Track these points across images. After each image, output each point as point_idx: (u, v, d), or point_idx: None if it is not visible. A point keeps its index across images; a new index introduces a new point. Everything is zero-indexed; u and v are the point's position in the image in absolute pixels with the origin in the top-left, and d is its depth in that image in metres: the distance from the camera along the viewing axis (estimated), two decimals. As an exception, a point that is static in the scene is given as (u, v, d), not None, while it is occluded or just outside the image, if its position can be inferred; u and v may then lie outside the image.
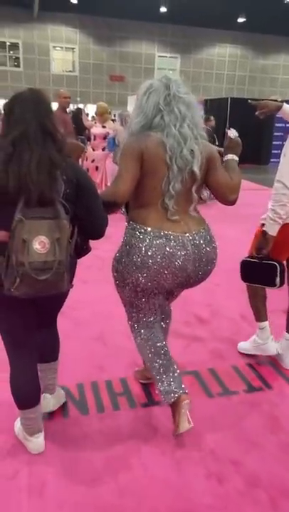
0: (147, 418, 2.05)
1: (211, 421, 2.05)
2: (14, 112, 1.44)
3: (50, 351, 1.94)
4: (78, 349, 2.59)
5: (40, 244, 1.37)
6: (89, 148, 6.67)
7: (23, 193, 1.39)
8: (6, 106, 1.48)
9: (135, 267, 1.75)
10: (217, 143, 7.35)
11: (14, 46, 25.94)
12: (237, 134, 1.94)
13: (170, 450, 1.86)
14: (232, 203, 1.84)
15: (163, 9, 23.83)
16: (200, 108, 13.39)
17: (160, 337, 1.97)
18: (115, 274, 1.89)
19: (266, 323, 2.55)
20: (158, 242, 1.70)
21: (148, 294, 1.86)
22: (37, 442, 1.78)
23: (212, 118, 7.65)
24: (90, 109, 18.01)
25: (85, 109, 13.45)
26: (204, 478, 1.72)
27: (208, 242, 1.81)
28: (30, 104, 1.44)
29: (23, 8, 23.88)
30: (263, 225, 2.29)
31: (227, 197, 1.81)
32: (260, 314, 2.55)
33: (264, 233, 2.20)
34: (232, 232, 5.29)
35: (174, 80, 1.73)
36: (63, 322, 2.87)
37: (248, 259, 2.34)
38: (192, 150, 1.68)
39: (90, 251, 1.71)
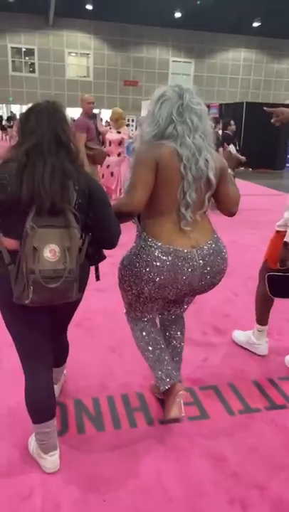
0: (165, 436, 1.96)
1: (232, 441, 1.95)
2: (30, 122, 1.47)
3: (59, 357, 1.95)
4: (93, 361, 2.53)
5: (50, 253, 1.39)
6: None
7: (35, 202, 1.40)
8: (23, 116, 1.52)
9: (142, 280, 1.77)
10: (238, 147, 7.27)
11: (30, 52, 26.27)
12: (235, 151, 1.92)
13: (190, 471, 1.78)
14: (234, 214, 1.92)
15: (177, 14, 23.88)
16: (212, 114, 13.33)
17: (154, 329, 2.03)
18: (121, 278, 1.91)
19: (266, 328, 2.62)
20: (166, 258, 1.72)
21: (150, 301, 1.90)
22: (52, 460, 1.71)
23: (232, 122, 7.55)
24: (104, 115, 18.09)
25: (100, 115, 13.43)
26: (227, 504, 1.63)
27: (217, 253, 1.81)
28: (45, 116, 1.47)
29: (39, 14, 24.20)
30: (278, 232, 2.22)
31: (231, 209, 1.88)
32: (262, 318, 2.61)
33: (285, 244, 2.13)
34: (248, 239, 5.19)
35: (187, 90, 1.72)
36: (77, 332, 2.84)
37: (274, 273, 2.27)
38: (206, 160, 1.69)
39: (104, 259, 1.71)
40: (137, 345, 2.05)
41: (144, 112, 15.40)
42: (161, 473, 1.76)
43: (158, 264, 1.72)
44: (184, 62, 28.91)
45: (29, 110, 1.51)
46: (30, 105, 1.54)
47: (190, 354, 2.58)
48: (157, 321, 2.16)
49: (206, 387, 2.33)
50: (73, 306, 1.71)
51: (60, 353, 1.95)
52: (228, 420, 2.09)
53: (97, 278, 1.77)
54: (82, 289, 1.58)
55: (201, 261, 1.75)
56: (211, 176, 1.71)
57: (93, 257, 1.64)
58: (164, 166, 1.66)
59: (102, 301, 3.17)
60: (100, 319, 3.02)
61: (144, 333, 2.01)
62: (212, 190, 1.76)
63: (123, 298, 2.01)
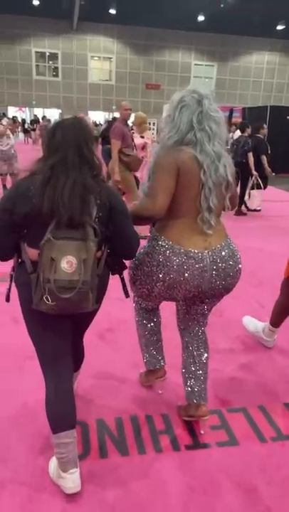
0: (192, 463, 1.84)
1: (264, 471, 1.81)
2: (56, 137, 1.52)
3: (74, 364, 1.90)
4: (115, 377, 2.42)
5: (68, 264, 1.43)
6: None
7: (55, 216, 1.45)
8: (50, 131, 1.58)
9: (152, 279, 1.82)
10: (270, 151, 7.05)
11: (53, 56, 26.61)
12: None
13: (219, 505, 1.65)
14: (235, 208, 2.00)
15: (201, 18, 23.77)
16: (235, 118, 13.01)
17: (157, 321, 2.17)
18: (132, 276, 1.95)
19: (277, 330, 2.75)
20: (176, 258, 1.74)
21: (158, 298, 1.94)
22: (72, 479, 1.61)
23: (265, 126, 7.33)
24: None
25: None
26: None
27: (228, 256, 1.81)
28: (71, 131, 1.52)
29: (63, 19, 24.49)
30: None
31: (235, 204, 1.96)
32: (277, 322, 2.71)
33: None
34: (276, 247, 4.99)
35: (206, 96, 1.75)
36: (100, 345, 2.75)
37: None
38: (225, 165, 1.74)
39: (125, 269, 1.76)
40: (137, 329, 2.20)
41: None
42: (188, 507, 1.63)
43: (168, 263, 1.75)
44: (206, 65, 28.76)
45: (56, 125, 1.57)
46: (58, 120, 1.62)
47: (217, 372, 2.46)
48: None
49: (235, 409, 2.19)
50: (91, 314, 1.74)
51: (75, 358, 1.91)
52: (259, 448, 1.95)
53: (126, 295, 1.81)
54: (99, 299, 1.61)
55: (211, 263, 1.76)
56: (231, 179, 1.77)
57: (113, 266, 1.69)
58: (184, 171, 1.69)
59: (123, 311, 3.07)
60: (123, 331, 2.91)
61: (144, 321, 2.15)
62: (232, 192, 1.82)
63: (132, 289, 2.00)
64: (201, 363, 2.00)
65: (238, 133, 12.06)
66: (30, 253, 1.53)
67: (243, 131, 6.90)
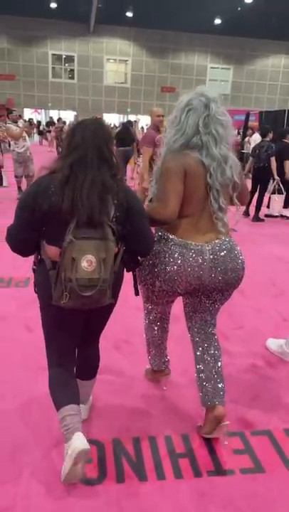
0: (215, 491, 1.72)
1: (293, 503, 1.69)
2: (76, 137, 1.55)
3: (90, 369, 1.95)
4: (133, 393, 2.31)
5: (87, 263, 1.47)
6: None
7: (74, 214, 1.48)
8: (70, 130, 1.61)
9: (154, 272, 1.86)
10: None
11: (70, 59, 26.74)
12: None
13: (245, 540, 1.53)
14: (246, 204, 2.13)
15: (217, 21, 23.63)
16: (251, 121, 12.75)
17: (165, 325, 2.21)
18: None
19: None
20: (178, 250, 1.80)
21: (162, 293, 1.94)
22: (79, 438, 1.59)
23: None
24: (143, 120, 18.05)
25: (139, 123, 13.31)
26: None
27: (228, 250, 1.84)
28: (90, 131, 1.54)
29: (80, 22, 24.59)
30: None
31: (246, 200, 2.04)
32: None
33: None
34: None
35: (213, 99, 1.76)
36: (116, 356, 2.63)
37: None
38: (232, 166, 1.77)
39: (139, 265, 1.83)
40: (145, 330, 2.24)
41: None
42: None
43: (169, 255, 1.80)
44: (222, 68, 28.59)
45: (76, 125, 1.59)
46: (78, 121, 1.63)
47: (239, 391, 2.34)
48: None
49: (259, 432, 2.07)
50: (106, 311, 1.77)
51: (90, 364, 1.95)
52: (287, 476, 1.82)
53: (136, 293, 1.86)
54: (115, 293, 1.67)
55: (211, 256, 1.80)
56: (238, 179, 1.81)
57: (129, 263, 1.73)
58: (191, 175, 1.74)
59: (141, 321, 2.96)
60: (140, 343, 2.80)
61: (152, 324, 2.18)
62: (239, 190, 1.87)
63: (141, 293, 2.02)
64: (212, 362, 1.96)
65: (255, 136, 11.93)
66: (49, 250, 1.57)
67: (264, 136, 6.75)
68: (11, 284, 3.67)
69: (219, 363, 1.97)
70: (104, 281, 1.50)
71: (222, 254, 1.82)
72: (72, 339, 1.77)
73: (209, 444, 1.96)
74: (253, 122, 14.51)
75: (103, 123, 1.63)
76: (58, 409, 1.66)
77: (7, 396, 2.22)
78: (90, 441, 1.88)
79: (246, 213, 6.85)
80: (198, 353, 2.00)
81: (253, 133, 12.59)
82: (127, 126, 9.52)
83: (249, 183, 6.86)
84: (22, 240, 1.63)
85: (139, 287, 1.94)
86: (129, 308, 2.85)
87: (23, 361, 2.52)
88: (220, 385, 1.93)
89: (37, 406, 2.14)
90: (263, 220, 6.83)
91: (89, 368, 1.96)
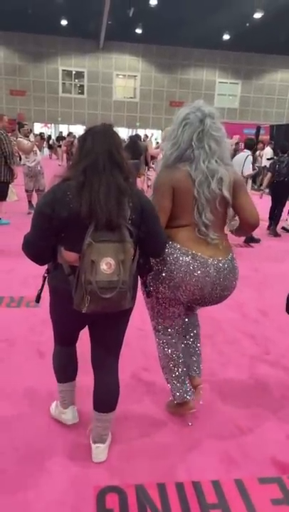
0: None
1: None
2: (87, 143, 1.57)
3: (108, 399, 1.83)
4: (156, 430, 2.10)
5: (106, 265, 1.48)
6: (154, 173, 6.37)
7: (93, 218, 1.49)
8: (80, 137, 1.62)
9: (159, 279, 1.89)
10: None
11: (79, 75, 27.07)
12: None
13: None
14: (254, 226, 1.95)
15: (226, 37, 23.80)
16: (261, 135, 12.71)
17: (177, 346, 2.10)
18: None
19: None
20: (184, 258, 1.83)
21: (167, 302, 1.97)
22: (70, 413, 2.04)
23: None
24: (146, 133, 18.10)
25: (151, 138, 13.28)
26: None
27: (230, 270, 1.89)
28: (100, 137, 1.56)
29: (90, 39, 24.95)
30: None
31: (249, 220, 1.92)
32: None
33: None
34: None
35: (209, 114, 1.80)
36: (136, 388, 2.38)
37: None
38: (220, 180, 1.79)
39: (152, 270, 1.85)
40: (159, 359, 2.13)
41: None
42: None
43: (176, 263, 1.83)
44: (230, 83, 28.72)
45: (86, 132, 1.61)
46: (87, 128, 1.64)
47: (272, 429, 2.13)
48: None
49: (268, 479, 1.83)
50: (125, 313, 1.73)
51: (108, 393, 1.83)
52: None
53: (148, 294, 1.91)
54: (134, 297, 1.68)
55: (214, 272, 1.84)
56: (226, 193, 1.81)
57: (144, 267, 1.74)
58: (179, 190, 1.80)
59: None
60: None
61: (166, 349, 2.08)
62: (229, 205, 1.87)
63: (146, 303, 2.06)
64: (194, 340, 2.21)
65: (266, 150, 11.82)
66: (67, 255, 1.58)
67: (284, 152, 6.63)
68: (22, 303, 3.51)
69: (199, 345, 2.23)
70: (124, 282, 1.51)
71: (225, 272, 1.87)
72: (76, 334, 1.89)
73: (244, 492, 1.74)
74: (263, 136, 14.44)
75: (112, 128, 1.63)
76: (58, 382, 1.99)
77: (16, 431, 2.02)
78: (111, 489, 1.70)
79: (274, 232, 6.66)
80: (187, 337, 2.19)
81: (264, 147, 12.51)
82: (135, 140, 9.53)
83: (260, 197, 6.71)
84: (40, 248, 1.63)
85: (147, 306, 2.05)
86: (146, 331, 2.67)
87: (34, 390, 2.33)
88: (199, 363, 2.20)
89: (49, 447, 1.95)
90: (279, 236, 6.65)
91: (107, 397, 1.83)
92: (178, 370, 2.08)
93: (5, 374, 2.49)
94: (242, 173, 5.61)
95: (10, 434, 2.01)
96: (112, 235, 1.51)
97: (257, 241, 6.04)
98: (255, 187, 7.06)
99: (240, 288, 4.19)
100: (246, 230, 2.03)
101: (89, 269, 1.47)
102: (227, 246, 1.93)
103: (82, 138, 1.60)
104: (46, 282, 1.74)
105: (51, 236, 1.58)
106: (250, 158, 5.79)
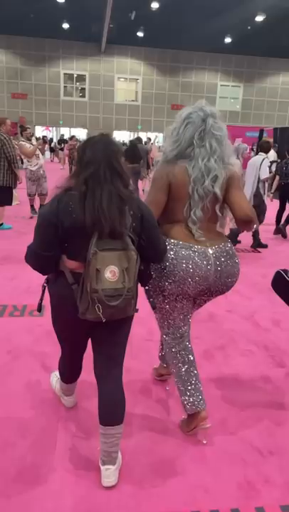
0: None
1: None
2: (86, 153, 1.58)
3: (114, 411, 1.73)
4: (166, 454, 1.99)
5: (111, 273, 1.50)
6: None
7: (97, 227, 1.51)
8: (80, 148, 1.65)
9: (162, 275, 1.90)
10: None
11: (81, 78, 27.09)
12: None
13: None
14: (247, 223, 1.91)
15: (228, 40, 23.79)
16: (264, 138, 12.65)
17: (188, 350, 2.06)
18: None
19: None
20: (184, 252, 1.85)
21: (174, 298, 1.96)
22: (70, 400, 2.20)
23: None
24: (149, 136, 18.02)
25: (155, 141, 13.18)
26: None
27: (229, 256, 1.92)
28: (100, 147, 1.58)
29: (92, 42, 24.97)
30: None
31: (241, 216, 1.88)
32: None
33: None
34: None
35: (211, 114, 1.83)
36: (146, 402, 2.15)
37: (283, 273, 2.33)
38: (216, 176, 1.82)
39: (151, 277, 1.87)
40: (171, 366, 2.10)
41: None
42: None
43: (177, 257, 1.85)
44: (232, 86, 28.70)
45: (85, 143, 1.64)
46: (86, 138, 1.69)
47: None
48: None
49: None
50: (126, 320, 1.72)
51: (114, 404, 1.73)
52: None
53: (153, 307, 1.94)
54: (136, 304, 1.67)
55: (214, 258, 1.87)
56: (218, 190, 1.84)
57: (144, 273, 1.74)
58: (176, 184, 1.84)
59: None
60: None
61: (177, 355, 2.03)
62: (219, 202, 1.90)
63: (151, 305, 1.99)
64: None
65: (270, 154, 11.70)
66: (70, 264, 1.59)
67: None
68: (25, 312, 3.39)
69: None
70: (129, 290, 1.54)
71: (223, 258, 1.90)
72: (81, 345, 1.88)
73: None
74: (266, 139, 14.33)
75: (111, 138, 1.67)
76: (61, 381, 2.10)
77: (21, 451, 1.90)
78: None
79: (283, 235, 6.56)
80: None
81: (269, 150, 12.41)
82: (135, 144, 9.48)
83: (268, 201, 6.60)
84: (45, 259, 1.62)
85: (155, 314, 2.05)
86: (156, 342, 2.56)
87: (41, 409, 2.21)
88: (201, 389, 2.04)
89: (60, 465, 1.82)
90: (286, 236, 6.58)
91: (113, 408, 1.73)
92: (190, 375, 2.00)
93: (8, 394, 2.37)
94: (259, 176, 5.51)
95: (13, 454, 1.89)
96: (115, 244, 1.53)
97: (264, 246, 5.93)
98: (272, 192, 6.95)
99: (249, 295, 4.17)
100: (240, 226, 2.00)
101: (94, 278, 1.48)
102: (221, 235, 1.98)
103: (82, 149, 1.63)
104: (47, 291, 1.74)
105: (56, 246, 1.58)
106: (267, 161, 5.68)
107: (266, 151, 5.85)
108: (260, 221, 5.89)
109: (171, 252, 1.86)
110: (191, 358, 2.04)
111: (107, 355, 1.75)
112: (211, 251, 1.87)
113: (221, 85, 28.50)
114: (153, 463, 1.88)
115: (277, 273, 2.34)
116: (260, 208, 5.82)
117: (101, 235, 1.51)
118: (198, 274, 1.85)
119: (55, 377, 2.26)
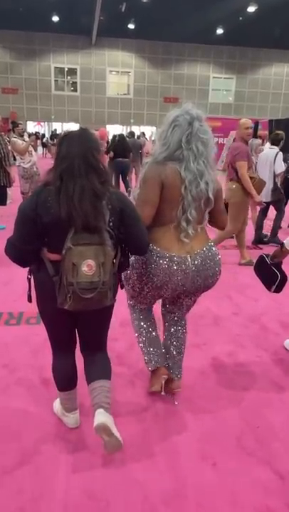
0: None
1: None
2: (62, 147, 1.60)
3: (100, 369, 1.90)
4: (176, 480, 1.84)
5: (87, 267, 1.54)
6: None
7: (72, 222, 1.54)
8: (58, 142, 1.65)
9: (142, 281, 2.04)
10: None
11: (72, 72, 26.67)
12: None
13: None
14: (220, 229, 2.22)
15: (220, 31, 23.51)
16: (260, 131, 12.50)
17: (150, 317, 2.30)
18: (126, 277, 2.10)
19: None
20: (162, 261, 1.94)
21: (149, 296, 2.15)
22: (73, 418, 2.03)
23: None
24: (141, 130, 17.79)
25: (151, 136, 12.98)
26: None
27: (209, 258, 2.00)
28: (76, 141, 1.59)
29: (83, 35, 24.57)
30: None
31: (224, 223, 2.15)
32: None
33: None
34: None
35: (197, 117, 1.88)
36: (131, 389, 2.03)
37: (265, 257, 2.56)
38: (207, 182, 1.90)
39: (128, 267, 1.90)
40: (133, 329, 2.32)
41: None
42: None
43: (156, 267, 1.95)
44: (225, 78, 28.44)
45: (63, 137, 1.64)
46: (64, 133, 1.68)
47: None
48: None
49: None
50: (107, 309, 1.80)
51: (102, 365, 1.92)
52: None
53: (122, 286, 1.94)
54: (114, 295, 1.75)
55: (193, 266, 1.96)
56: (211, 195, 1.93)
57: (123, 265, 1.79)
58: (167, 185, 1.88)
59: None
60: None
61: (140, 319, 2.27)
62: (211, 207, 1.99)
63: (127, 292, 2.22)
64: (179, 340, 2.29)
65: (266, 146, 11.55)
66: (51, 256, 1.64)
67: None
68: (22, 320, 3.22)
69: (184, 342, 2.31)
70: (104, 283, 1.58)
71: (203, 263, 1.97)
72: (68, 333, 1.88)
73: None
74: (261, 131, 14.18)
75: (88, 132, 1.67)
76: (59, 390, 1.98)
77: (23, 477, 1.75)
78: None
79: None
80: (170, 331, 2.29)
81: (263, 142, 12.25)
82: (123, 137, 9.30)
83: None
84: (24, 252, 1.66)
85: (126, 288, 2.15)
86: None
87: (40, 429, 2.06)
88: (180, 362, 2.29)
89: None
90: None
91: (100, 367, 1.89)
92: (150, 335, 2.24)
93: (6, 411, 2.21)
94: (274, 171, 5.33)
95: (15, 479, 1.74)
96: (92, 238, 1.56)
97: (266, 242, 5.79)
98: None
99: (254, 297, 4.00)
100: (218, 228, 2.19)
101: (70, 271, 1.54)
102: (205, 237, 2.04)
103: (59, 143, 1.63)
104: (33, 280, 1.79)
105: (35, 239, 1.62)
106: (281, 154, 5.40)
107: (277, 144, 5.59)
108: (281, 217, 5.75)
109: (150, 260, 1.94)
110: (152, 320, 2.28)
111: (91, 335, 1.89)
112: (190, 259, 1.94)
113: (214, 77, 28.22)
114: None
115: (260, 257, 2.62)
116: (279, 202, 5.67)
117: (77, 230, 1.55)
118: (174, 281, 1.95)
119: (57, 403, 2.12)
